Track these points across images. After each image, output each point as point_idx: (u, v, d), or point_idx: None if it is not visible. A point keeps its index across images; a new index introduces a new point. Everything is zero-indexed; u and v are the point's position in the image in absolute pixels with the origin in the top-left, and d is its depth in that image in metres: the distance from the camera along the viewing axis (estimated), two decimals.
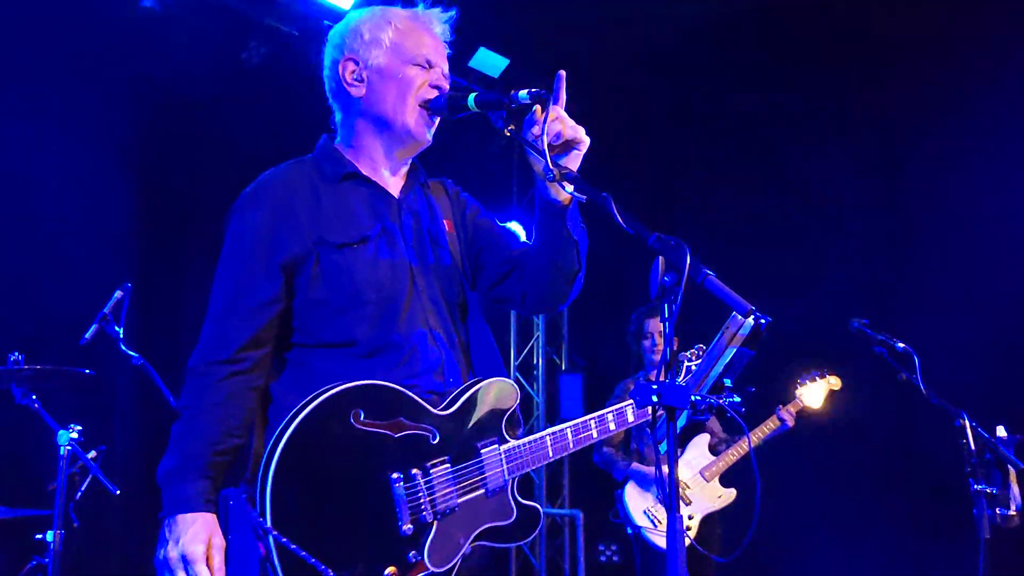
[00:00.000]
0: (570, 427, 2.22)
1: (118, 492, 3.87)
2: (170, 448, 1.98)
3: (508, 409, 2.15)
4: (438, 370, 2.12)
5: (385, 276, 2.12)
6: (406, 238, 2.21)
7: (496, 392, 2.14)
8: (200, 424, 1.97)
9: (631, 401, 2.31)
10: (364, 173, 2.23)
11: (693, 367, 2.49)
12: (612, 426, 2.28)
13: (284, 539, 1.76)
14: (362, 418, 1.89)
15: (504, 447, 2.10)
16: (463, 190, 2.49)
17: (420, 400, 2.00)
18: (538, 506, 2.16)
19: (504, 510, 2.09)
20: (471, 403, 2.09)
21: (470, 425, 2.07)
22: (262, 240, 2.08)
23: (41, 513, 3.82)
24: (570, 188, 2.03)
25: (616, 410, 2.31)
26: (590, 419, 2.26)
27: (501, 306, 2.41)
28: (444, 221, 2.34)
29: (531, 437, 2.15)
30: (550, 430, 2.19)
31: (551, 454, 2.17)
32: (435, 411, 2.02)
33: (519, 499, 2.12)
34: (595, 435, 2.25)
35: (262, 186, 2.17)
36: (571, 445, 2.20)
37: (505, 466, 2.09)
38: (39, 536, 3.73)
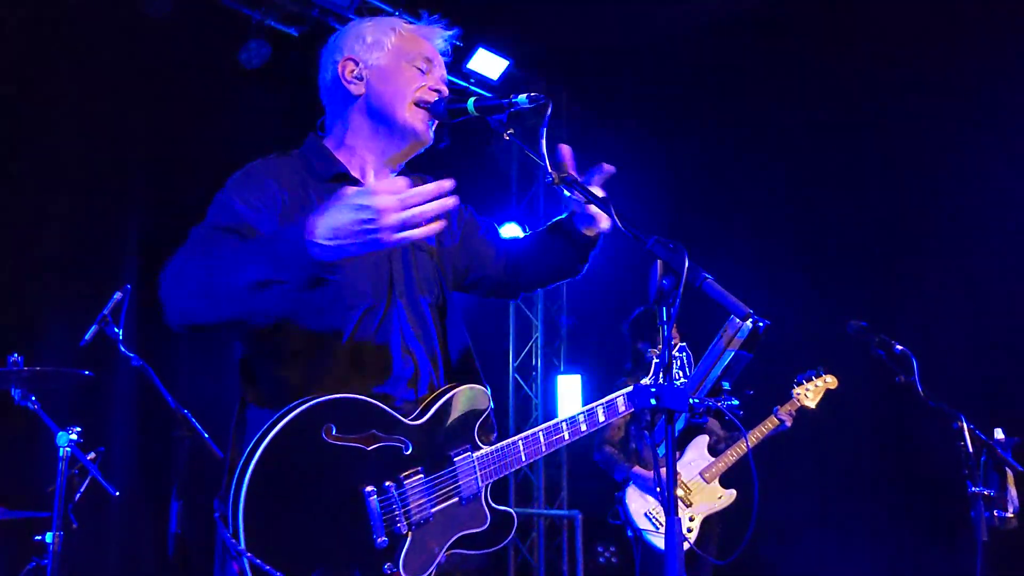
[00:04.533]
0: (542, 430, 2.21)
1: (117, 494, 3.86)
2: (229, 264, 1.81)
3: (481, 415, 2.14)
4: (412, 377, 2.11)
5: (365, 281, 2.10)
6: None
7: (468, 399, 2.13)
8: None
9: (603, 402, 2.33)
10: (353, 175, 2.22)
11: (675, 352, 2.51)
12: (583, 427, 2.27)
13: (258, 560, 1.74)
14: (334, 433, 1.87)
15: (477, 454, 2.09)
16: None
17: (392, 412, 1.99)
18: (511, 511, 2.16)
19: (478, 517, 2.08)
20: (443, 411, 2.08)
21: (443, 434, 2.06)
22: (246, 214, 2.01)
23: (40, 515, 3.82)
24: (568, 192, 2.04)
25: (587, 411, 2.31)
26: (561, 422, 2.25)
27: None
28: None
29: (503, 443, 2.14)
30: (522, 434, 2.18)
31: (524, 459, 2.16)
32: (407, 421, 2.01)
33: (493, 505, 2.12)
34: (567, 437, 2.25)
35: (253, 170, 2.13)
36: (543, 448, 2.20)
37: (478, 473, 2.08)
38: (38, 537, 3.73)
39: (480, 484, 2.08)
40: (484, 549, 2.09)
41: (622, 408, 2.38)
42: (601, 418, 2.31)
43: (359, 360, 2.05)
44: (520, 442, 2.16)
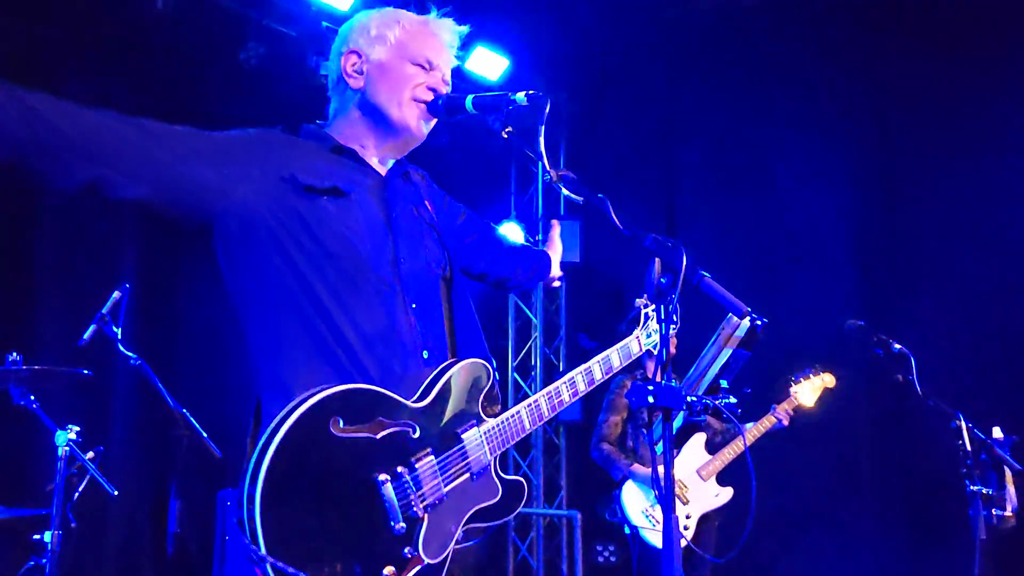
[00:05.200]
0: (543, 395, 2.24)
1: (116, 493, 3.86)
2: None
3: (484, 389, 2.15)
4: (414, 350, 2.10)
5: (357, 238, 2.08)
6: (389, 211, 2.18)
7: (468, 373, 2.13)
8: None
9: (598, 359, 2.38)
10: (351, 147, 2.23)
11: (650, 312, 2.54)
12: (582, 387, 2.32)
13: (280, 564, 1.73)
14: (342, 425, 1.86)
15: (483, 428, 2.10)
16: (440, 187, 2.50)
17: (396, 396, 1.98)
18: (522, 479, 2.18)
19: (490, 489, 2.11)
20: (446, 390, 2.08)
21: (448, 412, 2.07)
22: (219, 139, 2.12)
23: (39, 513, 3.82)
24: (566, 191, 2.04)
25: (585, 369, 2.35)
26: (561, 384, 2.29)
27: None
28: (426, 202, 2.33)
29: (506, 413, 2.16)
30: (524, 402, 2.20)
31: (528, 426, 2.19)
32: (411, 404, 2.00)
33: (502, 475, 2.14)
34: (567, 399, 2.28)
35: (236, 129, 2.21)
36: (546, 413, 2.23)
37: (487, 447, 2.09)
38: (37, 536, 3.73)
39: (489, 457, 2.10)
40: (499, 519, 2.12)
41: (617, 364, 2.44)
42: (598, 376, 2.36)
43: (363, 340, 2.04)
44: (523, 410, 2.19)
